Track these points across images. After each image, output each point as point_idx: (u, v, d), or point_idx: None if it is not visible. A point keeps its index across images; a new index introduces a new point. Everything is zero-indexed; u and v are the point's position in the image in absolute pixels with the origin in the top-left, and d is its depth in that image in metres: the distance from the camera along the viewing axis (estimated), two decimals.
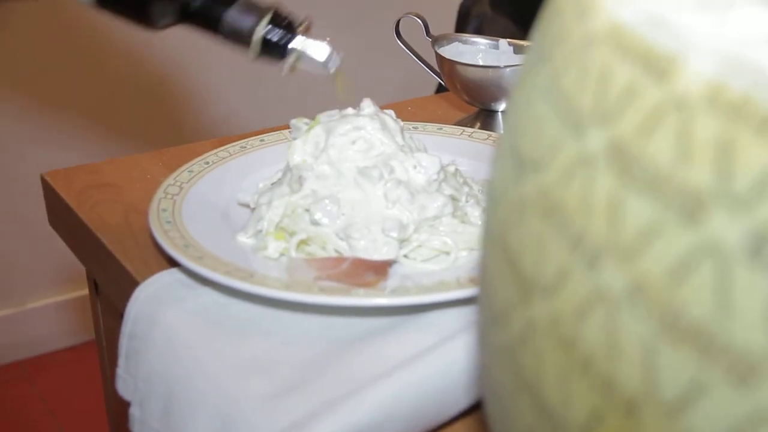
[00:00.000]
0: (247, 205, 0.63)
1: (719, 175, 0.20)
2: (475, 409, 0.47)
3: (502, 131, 0.79)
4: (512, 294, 0.27)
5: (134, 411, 0.55)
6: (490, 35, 0.84)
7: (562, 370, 0.24)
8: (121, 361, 0.56)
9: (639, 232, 0.21)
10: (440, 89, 1.36)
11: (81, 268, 0.73)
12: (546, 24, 0.28)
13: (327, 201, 0.57)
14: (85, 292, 1.83)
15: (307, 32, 0.55)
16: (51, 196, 0.72)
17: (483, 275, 0.30)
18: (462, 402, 0.46)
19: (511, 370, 0.27)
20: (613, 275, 0.22)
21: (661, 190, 0.21)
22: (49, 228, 0.75)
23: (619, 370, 0.22)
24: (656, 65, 0.22)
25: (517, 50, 0.81)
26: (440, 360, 0.46)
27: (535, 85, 0.27)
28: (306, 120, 0.63)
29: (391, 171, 0.58)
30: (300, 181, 0.59)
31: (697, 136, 0.21)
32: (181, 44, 1.85)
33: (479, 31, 1.36)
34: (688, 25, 0.22)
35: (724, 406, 0.20)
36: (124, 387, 0.56)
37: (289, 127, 0.74)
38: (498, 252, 0.28)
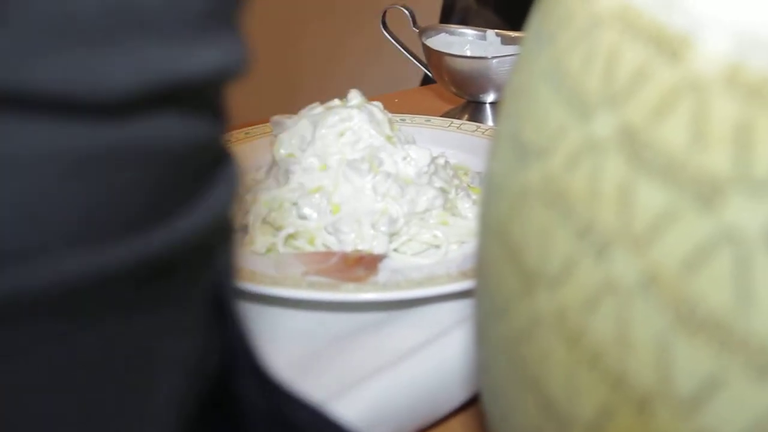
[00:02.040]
0: None
1: (738, 160, 0.19)
2: (470, 404, 0.46)
3: (491, 122, 0.78)
4: (514, 287, 0.26)
5: None
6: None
7: (568, 365, 0.23)
8: None
9: (652, 219, 0.21)
10: (425, 81, 1.35)
11: None
12: (547, 7, 0.27)
13: (317, 195, 0.56)
14: None
15: None
16: None
17: (481, 268, 0.29)
18: (457, 398, 0.45)
19: (513, 366, 0.26)
20: (624, 265, 0.21)
21: (676, 176, 0.20)
22: None
23: (630, 365, 0.21)
24: (668, 45, 0.21)
25: (505, 41, 0.80)
26: (433, 356, 0.45)
27: (537, 70, 0.26)
28: (289, 116, 0.62)
29: (380, 163, 0.57)
30: (287, 174, 0.57)
31: (714, 118, 0.20)
32: None
33: (464, 24, 1.35)
34: (699, 4, 0.21)
35: (743, 401, 0.19)
36: None
37: None
38: (498, 244, 0.27)
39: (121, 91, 0.22)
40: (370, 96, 0.64)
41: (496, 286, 0.27)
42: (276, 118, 0.62)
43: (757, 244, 0.19)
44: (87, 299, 0.23)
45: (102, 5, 0.21)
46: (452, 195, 0.59)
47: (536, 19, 0.28)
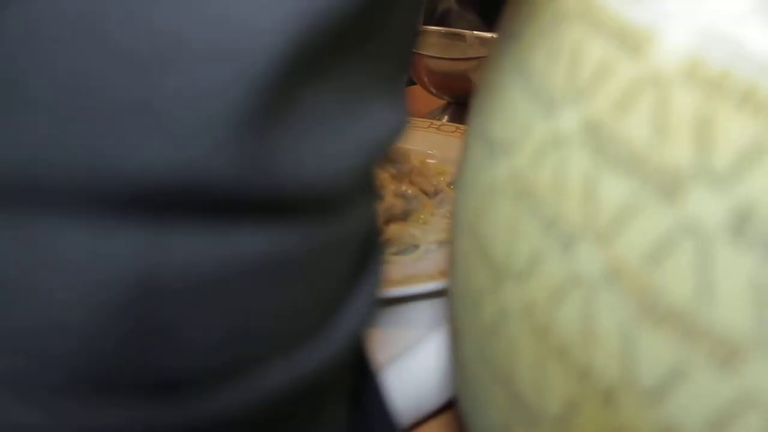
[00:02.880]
0: None
1: (698, 152, 0.19)
2: (448, 406, 0.46)
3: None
4: (483, 282, 0.26)
5: None
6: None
7: (536, 359, 0.23)
8: None
9: (615, 212, 0.21)
10: (408, 84, 1.35)
11: None
12: (515, 4, 0.27)
13: None
14: None
15: None
16: None
17: (453, 265, 0.29)
18: (438, 400, 0.45)
19: (484, 360, 0.26)
20: (589, 258, 0.21)
21: (638, 168, 0.20)
22: None
23: (595, 357, 0.21)
24: (631, 40, 0.21)
25: (484, 42, 0.81)
26: (416, 359, 0.45)
27: (505, 66, 0.26)
28: None
29: None
30: None
31: (675, 112, 0.20)
32: None
33: (445, 26, 1.35)
34: (662, 0, 0.21)
35: (706, 391, 0.19)
36: None
37: None
38: (468, 240, 0.27)
39: (349, 168, 0.20)
40: None
41: (467, 282, 0.27)
42: None
43: (717, 237, 0.19)
44: (274, 410, 0.22)
45: (336, 89, 0.20)
46: (431, 195, 0.59)
47: (505, 16, 0.28)
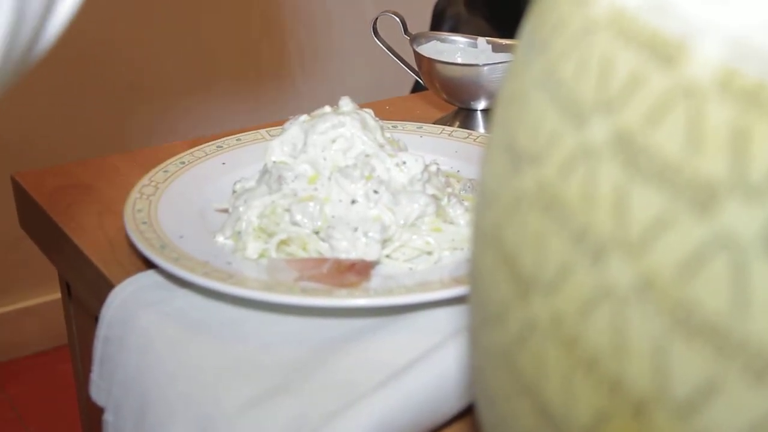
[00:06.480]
0: (226, 210, 0.61)
1: (733, 165, 0.19)
2: (465, 413, 0.46)
3: (482, 129, 0.78)
4: (508, 293, 0.26)
5: (108, 417, 0.53)
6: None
7: (564, 371, 0.23)
8: (96, 366, 0.55)
9: (647, 224, 0.21)
10: (415, 89, 1.35)
11: (50, 271, 0.71)
12: (540, 14, 0.27)
13: (310, 203, 0.56)
14: (55, 296, 1.80)
15: None
16: (22, 198, 0.70)
17: (474, 275, 0.29)
18: (454, 408, 0.45)
19: (508, 373, 0.26)
20: (619, 270, 0.21)
21: (671, 180, 0.20)
22: (17, 230, 0.73)
23: (626, 370, 0.21)
24: (662, 51, 0.21)
25: (496, 48, 0.81)
26: (433, 367, 0.45)
27: (531, 77, 0.26)
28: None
29: (372, 170, 0.57)
30: (279, 181, 0.57)
31: (709, 124, 0.20)
32: (153, 46, 1.83)
33: (454, 32, 1.35)
34: (694, 10, 0.21)
35: (740, 405, 0.19)
36: (97, 393, 0.55)
37: (264, 127, 0.73)
38: (492, 250, 0.27)
39: None
40: (361, 103, 0.64)
41: (491, 293, 0.27)
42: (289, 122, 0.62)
43: (753, 250, 0.19)
44: None
45: None
46: (444, 202, 0.59)
47: (529, 26, 0.28)
